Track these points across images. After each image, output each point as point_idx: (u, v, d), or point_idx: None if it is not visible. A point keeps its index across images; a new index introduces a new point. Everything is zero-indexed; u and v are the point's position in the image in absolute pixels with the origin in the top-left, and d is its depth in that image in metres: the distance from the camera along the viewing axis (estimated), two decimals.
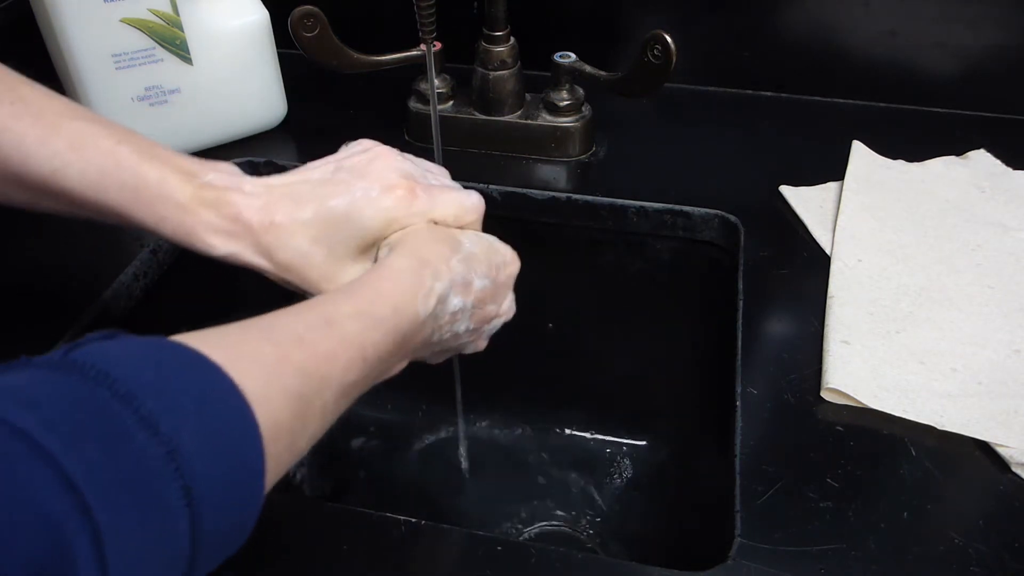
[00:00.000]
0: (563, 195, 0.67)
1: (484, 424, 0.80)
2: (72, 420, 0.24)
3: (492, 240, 0.47)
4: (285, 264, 0.42)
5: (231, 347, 0.30)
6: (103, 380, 0.25)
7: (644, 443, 0.77)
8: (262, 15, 0.68)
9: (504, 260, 0.46)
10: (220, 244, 0.42)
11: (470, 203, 0.46)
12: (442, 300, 0.41)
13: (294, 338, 0.33)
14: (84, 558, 0.22)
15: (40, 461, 0.22)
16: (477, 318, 0.45)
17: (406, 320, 0.38)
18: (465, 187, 0.68)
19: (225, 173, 0.43)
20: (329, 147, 0.71)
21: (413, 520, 0.43)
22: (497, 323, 0.48)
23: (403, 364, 0.42)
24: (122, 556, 0.23)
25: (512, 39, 0.68)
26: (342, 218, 0.42)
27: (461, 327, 0.44)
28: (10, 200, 0.43)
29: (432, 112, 0.57)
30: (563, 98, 0.69)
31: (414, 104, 0.71)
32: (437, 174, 0.48)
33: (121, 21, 0.61)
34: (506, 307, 0.47)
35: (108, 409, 0.24)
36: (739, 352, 0.52)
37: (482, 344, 0.49)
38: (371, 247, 0.43)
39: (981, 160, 0.68)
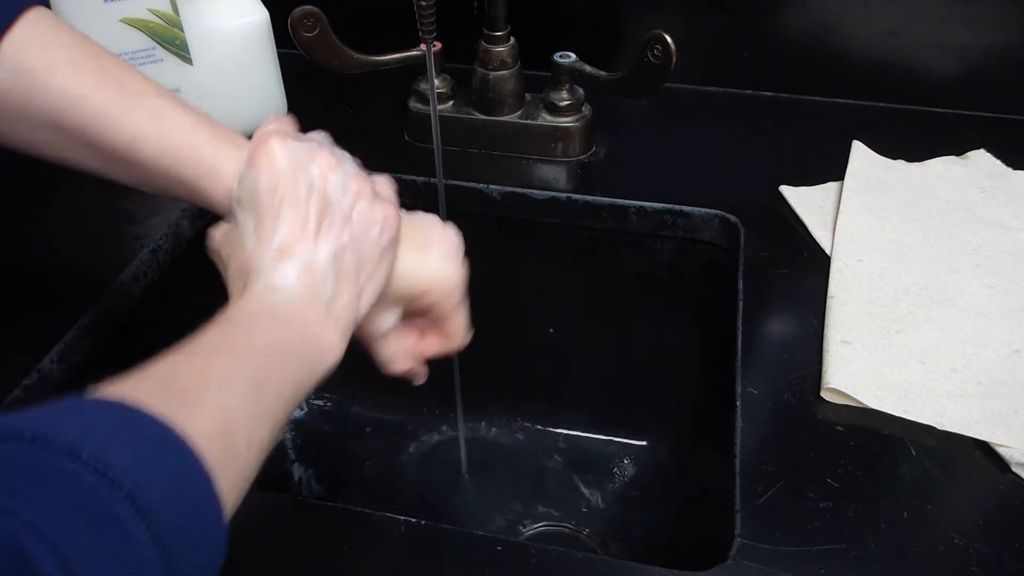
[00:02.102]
0: (563, 195, 0.67)
1: (484, 424, 0.80)
2: (40, 487, 0.24)
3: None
4: None
5: (123, 389, 0.29)
6: (73, 453, 0.25)
7: (644, 443, 0.77)
8: (262, 15, 0.68)
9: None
10: None
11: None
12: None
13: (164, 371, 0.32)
14: None
15: (8, 519, 0.23)
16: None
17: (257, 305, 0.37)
18: (465, 187, 0.68)
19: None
20: None
21: (413, 520, 0.43)
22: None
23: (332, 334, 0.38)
24: None
25: (512, 39, 0.68)
26: None
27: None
28: (79, 165, 0.43)
29: (432, 112, 0.57)
30: (563, 98, 0.69)
31: (414, 104, 0.71)
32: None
33: (121, 21, 0.61)
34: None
35: (82, 482, 0.25)
36: (739, 352, 0.52)
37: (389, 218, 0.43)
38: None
39: (981, 160, 0.68)
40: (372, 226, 0.41)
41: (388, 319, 0.46)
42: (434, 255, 0.45)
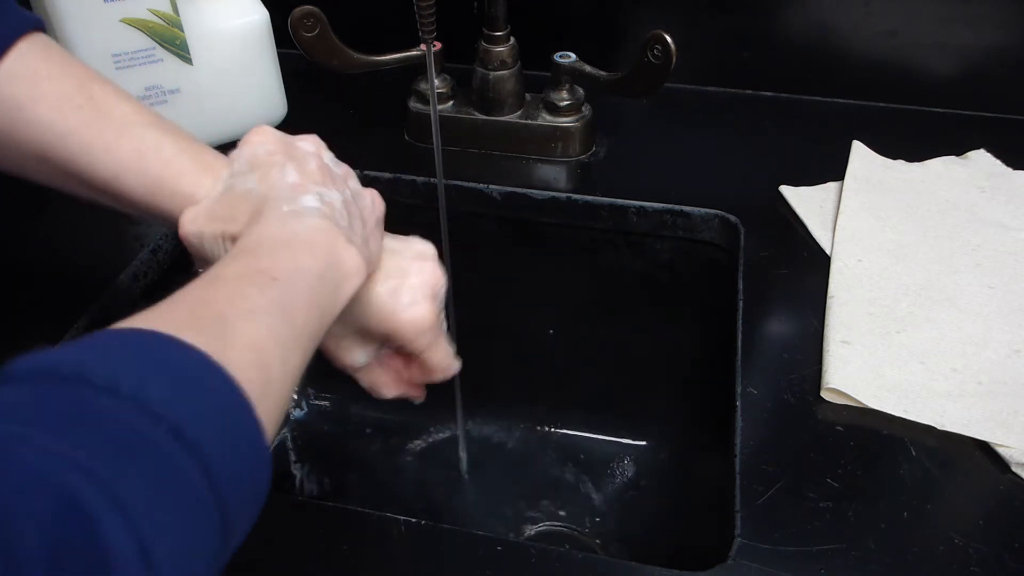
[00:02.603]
0: (563, 195, 0.67)
1: (484, 424, 0.80)
2: (84, 425, 0.23)
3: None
4: None
5: (151, 321, 0.29)
6: (111, 390, 0.24)
7: (644, 443, 0.77)
8: (262, 15, 0.68)
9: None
10: None
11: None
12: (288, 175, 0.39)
13: (194, 300, 0.32)
14: (118, 535, 0.21)
15: (53, 459, 0.22)
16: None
17: (282, 229, 0.36)
18: (465, 187, 0.68)
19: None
20: (329, 147, 0.71)
21: (413, 520, 0.43)
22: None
23: (350, 251, 0.38)
24: (163, 538, 0.23)
25: (512, 39, 0.68)
26: None
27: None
28: (74, 194, 0.44)
29: (432, 112, 0.57)
30: (563, 98, 0.69)
31: (414, 104, 0.71)
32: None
33: (121, 21, 0.61)
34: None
35: (125, 419, 0.24)
36: (739, 352, 0.52)
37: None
38: None
39: (981, 160, 0.68)
40: (365, 196, 0.43)
41: (360, 355, 0.45)
42: (405, 292, 0.43)
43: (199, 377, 0.27)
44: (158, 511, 0.23)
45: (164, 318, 0.29)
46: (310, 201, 0.38)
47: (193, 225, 0.40)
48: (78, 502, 0.21)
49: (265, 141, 0.41)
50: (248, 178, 0.40)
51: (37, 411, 0.23)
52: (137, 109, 0.43)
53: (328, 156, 0.43)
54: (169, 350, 0.27)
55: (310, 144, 0.43)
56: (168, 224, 0.43)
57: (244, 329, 0.30)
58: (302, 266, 0.35)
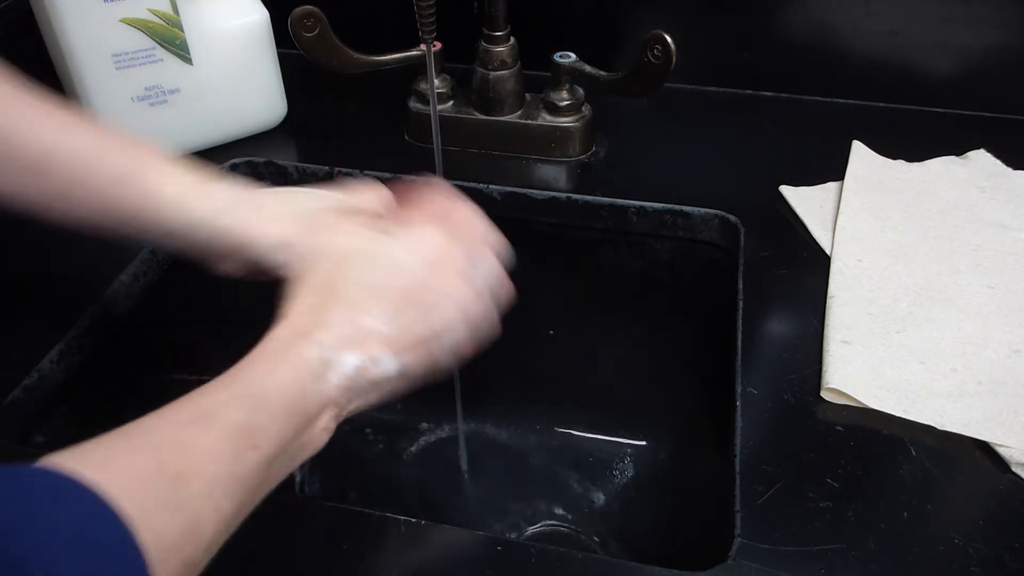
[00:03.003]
0: (563, 195, 0.67)
1: (484, 424, 0.80)
2: None
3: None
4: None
5: (105, 464, 0.27)
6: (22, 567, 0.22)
7: (644, 443, 0.77)
8: (262, 15, 0.68)
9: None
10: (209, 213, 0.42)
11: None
12: (342, 366, 0.36)
13: (170, 441, 0.30)
14: None
15: None
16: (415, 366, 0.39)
17: (299, 399, 0.35)
18: (465, 187, 0.68)
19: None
20: (329, 147, 0.71)
21: (413, 520, 0.43)
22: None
23: (331, 426, 0.38)
24: None
25: (512, 39, 0.68)
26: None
27: (391, 383, 0.39)
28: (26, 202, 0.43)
29: (432, 112, 0.57)
30: (563, 98, 0.69)
31: (414, 104, 0.71)
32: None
33: (121, 21, 0.61)
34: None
35: None
36: (739, 352, 0.52)
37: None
38: None
39: (981, 160, 0.68)
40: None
41: None
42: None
43: (74, 513, 0.25)
44: None
45: (123, 462, 0.28)
46: (349, 363, 0.36)
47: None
48: None
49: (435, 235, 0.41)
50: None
51: None
52: (68, 112, 0.44)
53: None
54: (91, 518, 0.25)
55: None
56: (93, 210, 0.42)
57: (195, 503, 0.29)
58: (284, 436, 0.34)
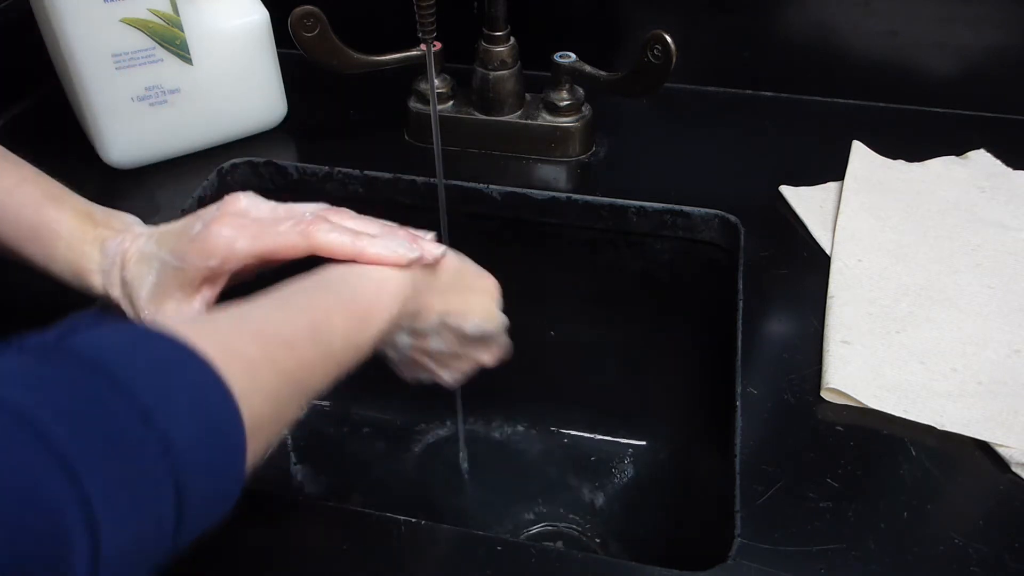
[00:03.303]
0: (563, 195, 0.67)
1: (484, 424, 0.80)
2: (72, 408, 0.24)
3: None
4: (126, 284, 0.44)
5: (221, 342, 0.31)
6: (100, 370, 0.25)
7: (644, 443, 0.77)
8: (262, 15, 0.68)
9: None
10: (99, 282, 0.44)
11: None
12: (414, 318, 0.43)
13: (282, 342, 0.34)
14: (79, 547, 0.22)
15: (42, 447, 0.23)
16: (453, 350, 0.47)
17: (379, 334, 0.40)
18: (465, 187, 0.68)
19: (119, 219, 0.46)
20: (329, 147, 0.71)
21: (413, 520, 0.43)
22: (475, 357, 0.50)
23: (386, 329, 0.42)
24: (116, 546, 0.24)
25: (512, 39, 0.68)
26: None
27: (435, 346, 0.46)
28: None
29: (432, 112, 0.57)
30: (563, 98, 0.69)
31: (414, 104, 0.71)
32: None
33: (121, 21, 0.61)
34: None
35: (106, 399, 0.25)
36: (739, 352, 0.52)
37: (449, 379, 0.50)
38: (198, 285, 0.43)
39: (981, 160, 0.68)
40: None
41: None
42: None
43: (192, 381, 0.28)
44: (104, 473, 0.24)
45: (236, 345, 0.32)
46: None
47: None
48: (28, 461, 0.22)
49: None
50: None
51: (49, 387, 0.24)
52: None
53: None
54: (165, 350, 0.28)
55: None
56: (10, 258, 0.45)
57: (284, 397, 0.33)
58: (349, 332, 0.38)
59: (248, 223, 0.42)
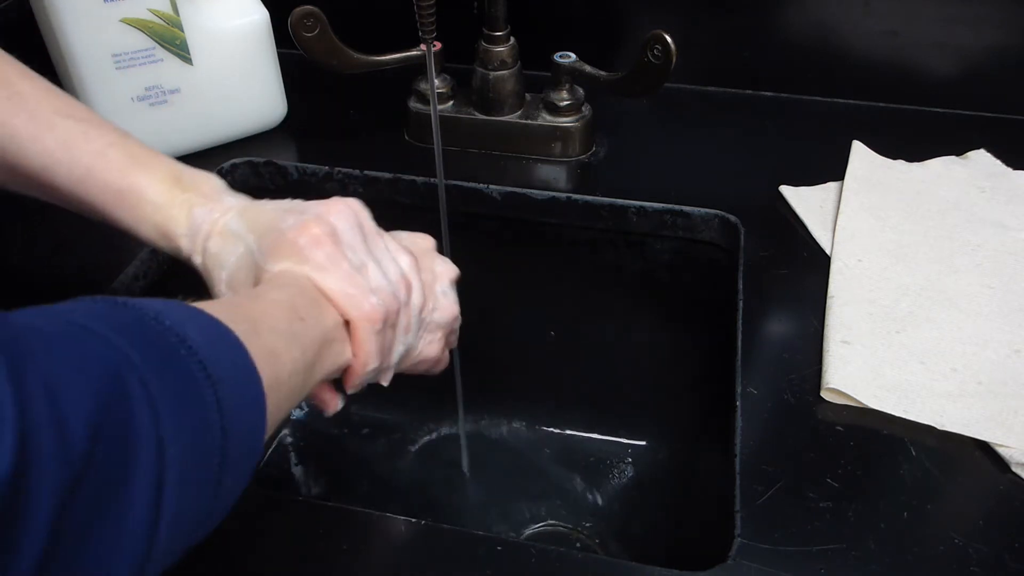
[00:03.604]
0: (563, 195, 0.67)
1: (484, 424, 0.80)
2: (139, 335, 0.27)
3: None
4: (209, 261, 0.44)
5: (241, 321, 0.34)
6: (159, 319, 0.29)
7: (644, 443, 0.77)
8: (262, 15, 0.68)
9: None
10: (187, 246, 0.44)
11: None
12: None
13: (239, 306, 0.36)
14: (146, 423, 0.25)
15: (113, 351, 0.26)
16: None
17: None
18: (465, 187, 0.68)
19: (208, 183, 0.45)
20: (329, 147, 0.71)
21: (413, 520, 0.43)
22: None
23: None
24: (177, 472, 0.26)
25: (512, 39, 0.68)
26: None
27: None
28: (7, 186, 0.44)
29: (432, 112, 0.57)
30: (563, 98, 0.69)
31: (414, 104, 0.71)
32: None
33: (121, 21, 0.61)
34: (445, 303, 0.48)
35: (169, 341, 0.28)
36: (739, 352, 0.52)
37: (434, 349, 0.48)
38: None
39: (981, 160, 0.68)
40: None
41: None
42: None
43: (225, 342, 0.31)
44: (177, 417, 0.27)
45: (205, 308, 0.33)
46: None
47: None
48: (125, 389, 0.25)
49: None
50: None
51: (105, 317, 0.27)
52: (67, 103, 0.44)
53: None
54: (204, 317, 0.32)
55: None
56: (98, 219, 0.44)
57: (266, 337, 0.34)
58: (324, 321, 0.39)
59: (336, 253, 0.41)
